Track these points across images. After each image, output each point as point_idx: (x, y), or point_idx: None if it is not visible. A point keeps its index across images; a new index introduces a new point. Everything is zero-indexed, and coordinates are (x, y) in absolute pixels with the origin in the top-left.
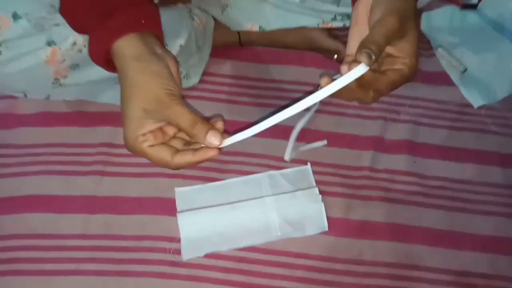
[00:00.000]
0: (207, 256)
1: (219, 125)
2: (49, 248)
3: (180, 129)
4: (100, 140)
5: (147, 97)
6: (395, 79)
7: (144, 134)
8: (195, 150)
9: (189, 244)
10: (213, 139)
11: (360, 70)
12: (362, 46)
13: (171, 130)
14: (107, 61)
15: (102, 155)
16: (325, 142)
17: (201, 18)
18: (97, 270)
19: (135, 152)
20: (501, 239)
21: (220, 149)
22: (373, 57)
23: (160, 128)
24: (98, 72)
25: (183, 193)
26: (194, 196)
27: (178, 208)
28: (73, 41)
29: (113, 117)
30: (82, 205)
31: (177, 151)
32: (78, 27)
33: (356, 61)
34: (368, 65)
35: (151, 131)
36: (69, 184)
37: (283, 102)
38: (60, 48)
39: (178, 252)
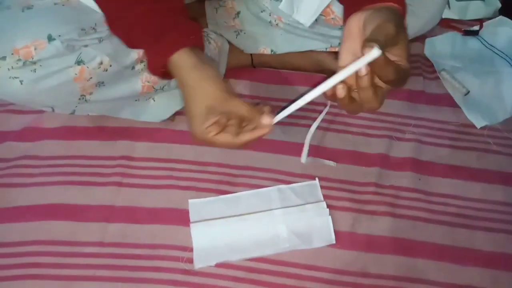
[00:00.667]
0: (218, 265)
1: (267, 109)
2: (68, 255)
3: (239, 116)
4: (119, 154)
5: (209, 96)
6: (398, 69)
7: (208, 127)
8: (252, 129)
9: (201, 253)
10: (267, 118)
11: (374, 53)
12: (368, 40)
13: (223, 120)
14: (163, 71)
15: (120, 167)
16: (334, 164)
17: (217, 42)
18: (113, 276)
19: (205, 141)
20: (503, 255)
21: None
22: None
23: (217, 120)
24: (120, 90)
25: (196, 205)
26: (206, 207)
27: (191, 219)
28: (100, 61)
29: (132, 132)
30: (100, 214)
31: (236, 133)
32: (131, 44)
33: (368, 47)
34: (379, 55)
35: (214, 123)
36: (89, 194)
37: (292, 120)
38: (88, 67)
39: (190, 261)
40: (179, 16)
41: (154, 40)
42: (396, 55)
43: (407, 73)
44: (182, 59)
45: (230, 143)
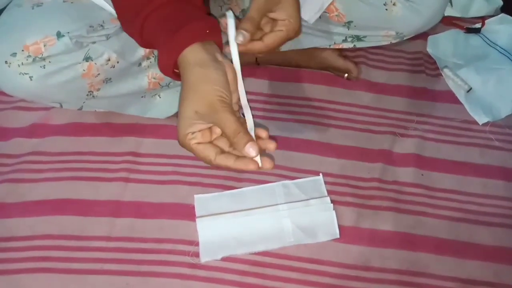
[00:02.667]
0: (224, 259)
1: (263, 134)
2: (76, 249)
3: (224, 134)
4: (126, 150)
5: (201, 101)
6: (268, 43)
7: (193, 133)
8: (238, 157)
9: (207, 247)
10: (250, 150)
11: (234, 53)
12: (240, 25)
13: (219, 130)
14: (174, 71)
15: (127, 163)
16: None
17: None
18: (120, 270)
19: (184, 147)
20: (504, 249)
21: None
22: (247, 35)
23: (209, 128)
24: (127, 86)
25: (202, 200)
26: (212, 202)
27: (197, 214)
28: (107, 57)
29: (139, 128)
30: (107, 209)
31: (221, 152)
32: (145, 43)
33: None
34: (242, 43)
35: (200, 130)
36: (96, 190)
37: (295, 117)
38: (95, 63)
39: (196, 255)
40: (194, 10)
41: (166, 37)
42: (281, 15)
43: (290, 32)
44: (190, 55)
45: (208, 160)
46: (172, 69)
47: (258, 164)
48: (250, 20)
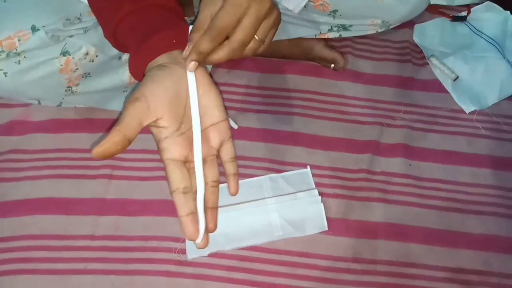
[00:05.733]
0: (211, 255)
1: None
2: (59, 248)
3: None
4: None
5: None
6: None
7: (166, 138)
8: (189, 214)
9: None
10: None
11: (191, 79)
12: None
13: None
14: None
15: (110, 160)
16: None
17: None
18: (105, 269)
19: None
20: (493, 238)
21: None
22: (196, 63)
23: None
24: (107, 81)
25: None
26: None
27: None
28: (85, 51)
29: None
30: (91, 207)
31: (185, 190)
32: (121, 47)
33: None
34: (193, 70)
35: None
36: (79, 187)
37: (281, 109)
38: (73, 58)
39: (183, 251)
40: (163, 16)
41: (136, 45)
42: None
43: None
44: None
45: (169, 185)
46: (142, 77)
47: (198, 238)
48: (204, 30)
